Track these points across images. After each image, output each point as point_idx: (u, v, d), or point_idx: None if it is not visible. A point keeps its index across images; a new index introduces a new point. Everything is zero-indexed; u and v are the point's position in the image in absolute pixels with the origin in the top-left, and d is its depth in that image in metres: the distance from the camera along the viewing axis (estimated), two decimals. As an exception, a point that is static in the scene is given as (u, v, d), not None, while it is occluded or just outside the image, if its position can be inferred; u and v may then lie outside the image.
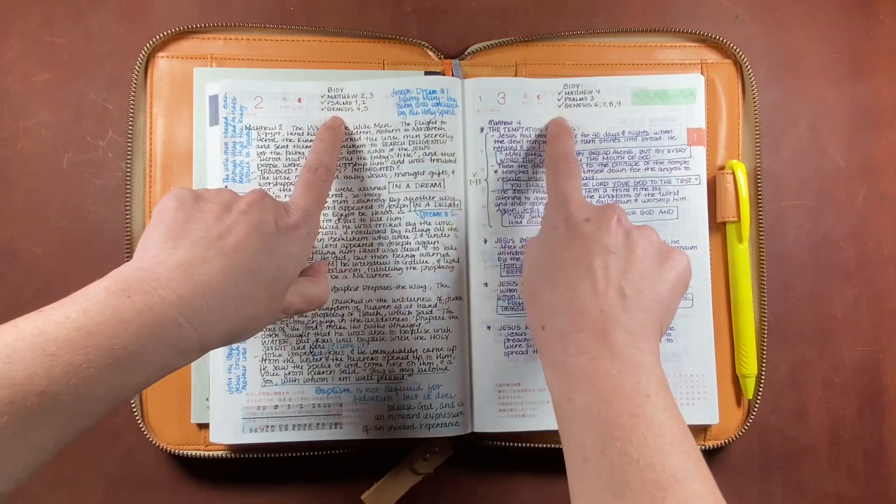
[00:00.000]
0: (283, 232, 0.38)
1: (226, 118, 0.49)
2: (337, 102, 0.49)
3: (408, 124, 0.49)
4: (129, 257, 0.49)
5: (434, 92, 0.49)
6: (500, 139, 0.50)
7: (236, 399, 0.47)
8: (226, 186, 0.48)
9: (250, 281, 0.36)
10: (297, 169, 0.49)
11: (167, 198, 0.37)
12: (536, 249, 0.41)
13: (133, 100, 0.49)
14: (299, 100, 0.49)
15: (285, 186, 0.48)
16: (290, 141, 0.49)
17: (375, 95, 0.49)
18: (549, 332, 0.37)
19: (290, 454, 0.48)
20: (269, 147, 0.49)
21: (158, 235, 0.35)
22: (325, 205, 0.48)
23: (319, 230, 0.48)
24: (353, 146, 0.49)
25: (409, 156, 0.49)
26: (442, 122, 0.49)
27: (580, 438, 0.33)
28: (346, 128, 0.49)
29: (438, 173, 0.49)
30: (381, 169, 0.49)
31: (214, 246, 0.35)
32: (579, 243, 0.38)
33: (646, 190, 0.50)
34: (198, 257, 0.34)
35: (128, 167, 0.49)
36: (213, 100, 0.49)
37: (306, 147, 0.49)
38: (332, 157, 0.46)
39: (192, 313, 0.32)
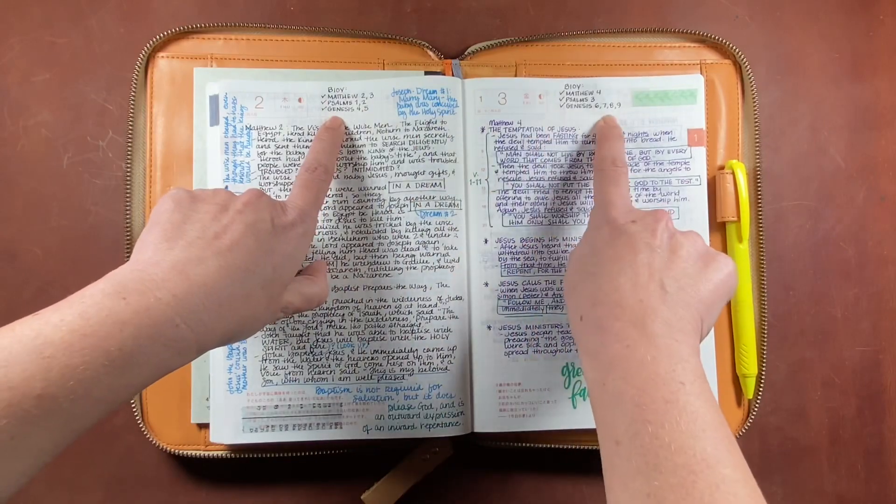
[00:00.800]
0: (279, 231, 0.38)
1: (226, 118, 0.49)
2: (337, 102, 0.49)
3: (408, 124, 0.49)
4: (129, 257, 0.49)
5: (434, 92, 0.49)
6: (501, 139, 0.50)
7: (237, 399, 0.47)
8: (226, 187, 0.48)
9: (247, 280, 0.36)
10: (297, 169, 0.49)
11: (164, 199, 0.37)
12: (580, 249, 0.41)
13: (133, 100, 0.49)
14: (299, 100, 0.49)
15: (286, 186, 0.48)
16: (290, 141, 0.49)
17: (376, 95, 0.49)
18: (587, 322, 0.37)
19: (290, 454, 0.48)
20: (269, 147, 0.49)
21: (154, 237, 0.35)
22: (326, 204, 0.49)
23: (319, 230, 0.48)
24: (354, 146, 0.49)
25: (409, 156, 0.49)
26: (442, 122, 0.49)
27: (612, 423, 0.33)
28: (346, 128, 0.49)
29: (439, 173, 0.49)
30: (381, 169, 0.49)
31: (210, 246, 0.35)
32: (624, 241, 0.38)
33: (646, 190, 0.50)
34: (193, 257, 0.34)
35: (128, 167, 0.49)
36: (214, 100, 0.49)
37: (306, 147, 0.49)
38: (330, 157, 0.46)
39: (189, 313, 0.32)
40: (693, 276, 0.37)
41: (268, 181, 0.48)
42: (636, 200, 0.50)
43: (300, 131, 0.49)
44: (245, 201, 0.38)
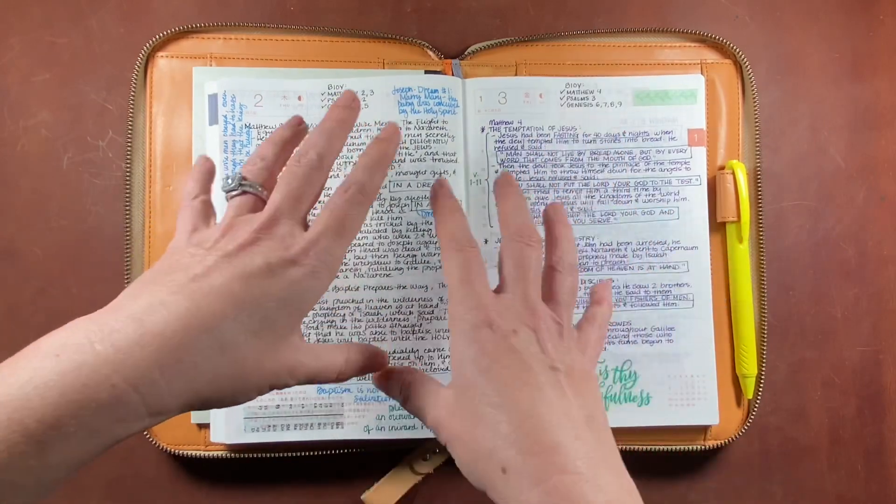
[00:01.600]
0: (275, 268, 0.32)
1: (225, 116, 0.48)
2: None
3: (409, 123, 0.49)
4: (129, 258, 0.49)
5: (436, 91, 0.49)
6: (501, 139, 0.50)
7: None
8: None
9: (222, 329, 0.30)
10: None
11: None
12: (462, 366, 0.35)
13: (133, 100, 0.49)
14: (299, 98, 0.49)
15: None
16: None
17: (376, 93, 0.49)
18: (518, 476, 0.31)
19: (290, 454, 0.48)
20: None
21: (134, 283, 0.32)
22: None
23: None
24: (354, 144, 0.49)
25: (410, 155, 0.49)
26: (444, 122, 0.49)
27: None
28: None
29: (440, 173, 0.49)
30: (381, 168, 0.49)
31: (183, 289, 0.30)
32: (515, 361, 0.34)
33: (646, 190, 0.50)
34: (156, 301, 0.29)
35: (127, 167, 0.49)
36: (213, 98, 0.49)
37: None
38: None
39: (132, 369, 0.27)
40: (583, 359, 0.36)
41: None
42: (636, 200, 0.50)
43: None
44: (242, 241, 0.33)
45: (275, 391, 0.36)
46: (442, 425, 0.35)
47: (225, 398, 0.31)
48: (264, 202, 0.36)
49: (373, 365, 0.38)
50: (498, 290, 0.38)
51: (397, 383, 0.38)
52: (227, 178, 0.36)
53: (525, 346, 0.34)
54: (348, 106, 0.39)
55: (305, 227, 0.36)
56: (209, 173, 0.40)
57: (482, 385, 0.33)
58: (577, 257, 0.41)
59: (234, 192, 0.36)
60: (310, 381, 0.35)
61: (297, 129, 0.40)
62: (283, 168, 0.37)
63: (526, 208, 0.40)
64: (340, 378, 0.36)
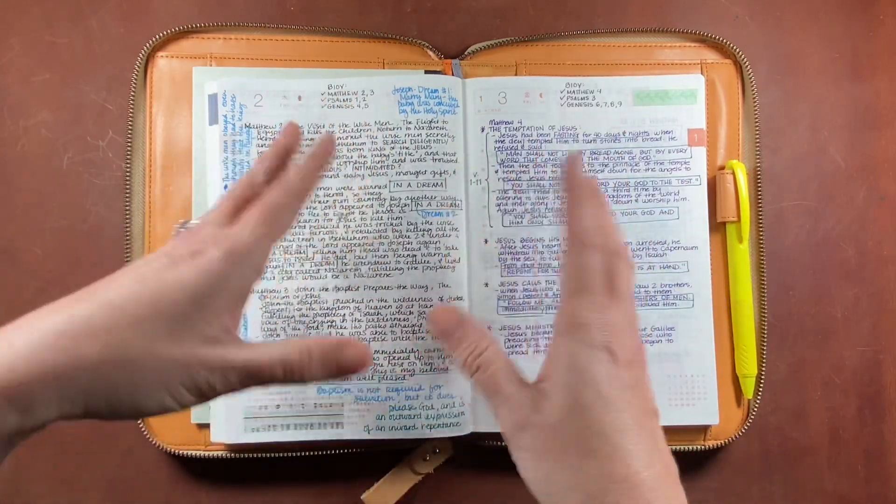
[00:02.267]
0: (177, 260, 0.30)
1: (225, 116, 0.48)
2: (337, 100, 0.49)
3: (409, 123, 0.49)
4: (129, 258, 0.49)
5: (436, 91, 0.49)
6: (501, 139, 0.50)
7: (238, 398, 0.47)
8: (225, 186, 0.48)
9: (112, 329, 0.28)
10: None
11: None
12: (580, 385, 0.32)
13: (133, 100, 0.49)
14: (299, 97, 0.49)
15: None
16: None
17: (376, 93, 0.49)
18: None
19: (290, 454, 0.48)
20: (269, 146, 0.49)
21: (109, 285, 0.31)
22: (326, 203, 0.48)
23: (320, 229, 0.48)
24: (353, 144, 0.49)
25: (410, 155, 0.49)
26: (444, 122, 0.49)
27: None
28: (344, 124, 0.48)
29: (440, 173, 0.49)
30: (381, 168, 0.49)
31: (83, 294, 0.29)
32: (630, 395, 0.32)
33: (646, 190, 0.50)
34: (59, 303, 0.29)
35: (127, 167, 0.49)
36: (213, 98, 0.49)
37: (306, 146, 0.49)
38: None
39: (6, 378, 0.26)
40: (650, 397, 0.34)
41: None
42: (636, 200, 0.50)
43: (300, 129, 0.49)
44: (165, 246, 0.32)
45: (276, 390, 0.36)
46: (527, 437, 0.33)
47: (137, 402, 0.29)
48: None
49: (347, 358, 0.33)
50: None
51: (474, 350, 0.35)
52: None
53: (638, 383, 0.33)
54: (327, 143, 0.39)
55: None
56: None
57: (603, 416, 0.31)
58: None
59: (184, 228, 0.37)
60: (249, 377, 0.31)
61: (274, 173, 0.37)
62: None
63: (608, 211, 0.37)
64: (301, 376, 0.32)
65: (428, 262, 0.48)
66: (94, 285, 0.30)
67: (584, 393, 0.32)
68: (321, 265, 0.48)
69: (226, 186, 0.48)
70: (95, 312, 0.28)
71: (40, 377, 0.26)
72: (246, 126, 0.49)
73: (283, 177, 0.36)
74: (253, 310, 0.48)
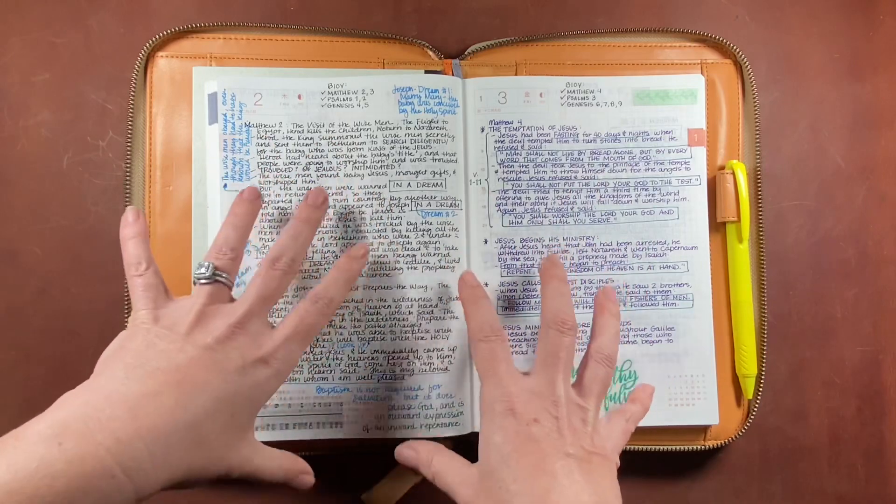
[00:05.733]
0: (248, 367, 0.36)
1: (225, 115, 0.48)
2: (337, 98, 0.49)
3: (409, 122, 0.49)
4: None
5: (436, 91, 0.49)
6: (501, 139, 0.50)
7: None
8: (224, 185, 0.48)
9: (204, 424, 0.33)
10: (297, 167, 0.49)
11: (126, 330, 0.37)
12: (486, 451, 0.38)
13: (133, 100, 0.49)
14: (299, 96, 0.49)
15: (286, 185, 0.48)
16: (290, 139, 0.49)
17: (376, 92, 0.49)
18: None
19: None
20: (269, 145, 0.49)
21: (114, 359, 0.34)
22: (328, 204, 0.48)
23: (319, 229, 0.48)
24: (353, 143, 0.49)
25: (410, 154, 0.49)
26: (444, 122, 0.49)
27: None
28: (346, 124, 0.49)
29: (440, 173, 0.49)
30: (381, 167, 0.49)
31: (169, 382, 0.33)
32: (535, 448, 0.36)
33: (646, 190, 0.50)
34: (149, 392, 0.32)
35: (127, 167, 0.49)
36: (213, 97, 0.49)
37: (306, 145, 0.49)
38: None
39: (130, 461, 0.29)
40: (604, 445, 0.39)
41: (267, 179, 0.48)
42: (636, 200, 0.50)
43: (300, 128, 0.49)
44: (220, 336, 0.36)
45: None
46: None
47: (187, 484, 0.33)
48: (230, 289, 0.40)
49: (296, 480, 0.40)
50: (529, 374, 0.40)
51: (426, 463, 0.42)
52: (200, 266, 0.39)
53: (545, 434, 0.37)
54: (316, 205, 0.44)
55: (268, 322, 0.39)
56: (145, 235, 0.41)
57: (503, 471, 0.36)
58: (618, 349, 0.43)
59: (205, 281, 0.39)
60: (247, 478, 0.37)
61: (255, 203, 0.43)
62: (259, 270, 0.40)
63: (567, 293, 0.42)
64: (269, 481, 0.38)
65: (427, 262, 0.48)
66: (182, 378, 0.33)
67: (491, 455, 0.37)
68: (320, 264, 0.48)
69: (225, 186, 0.48)
70: (198, 404, 0.33)
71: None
72: (246, 125, 0.49)
73: (321, 289, 0.41)
74: None
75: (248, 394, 0.36)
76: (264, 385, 0.37)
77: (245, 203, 0.42)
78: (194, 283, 0.39)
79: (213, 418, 0.33)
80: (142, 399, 0.31)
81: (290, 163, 0.49)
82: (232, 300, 0.40)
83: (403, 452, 0.44)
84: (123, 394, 0.31)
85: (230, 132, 0.48)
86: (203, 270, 0.39)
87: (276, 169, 0.48)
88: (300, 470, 0.40)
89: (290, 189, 0.48)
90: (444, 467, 0.40)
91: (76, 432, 0.29)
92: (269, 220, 0.48)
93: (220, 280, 0.39)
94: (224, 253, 0.40)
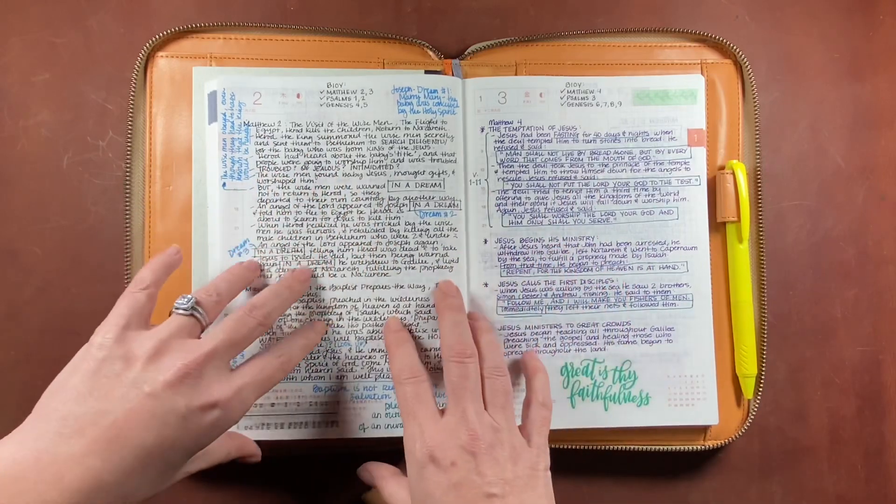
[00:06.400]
0: (190, 415, 0.35)
1: (224, 114, 0.48)
2: (336, 98, 0.49)
3: (408, 123, 0.49)
4: (129, 258, 0.49)
5: (435, 91, 0.49)
6: (501, 139, 0.50)
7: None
8: (223, 184, 0.48)
9: (130, 481, 0.33)
10: (295, 166, 0.48)
11: (93, 338, 0.36)
12: (416, 500, 0.39)
13: (133, 100, 0.49)
14: (298, 95, 0.49)
15: (284, 184, 0.48)
16: (288, 138, 0.49)
17: (375, 92, 0.49)
18: None
19: (289, 454, 0.48)
20: (267, 144, 0.49)
21: (56, 399, 0.34)
22: (324, 202, 0.48)
23: (317, 228, 0.48)
24: (352, 143, 0.49)
25: (409, 155, 0.49)
26: (443, 122, 0.49)
27: None
28: (344, 124, 0.49)
29: (439, 173, 0.49)
30: (380, 167, 0.49)
31: (100, 439, 0.32)
32: (456, 496, 0.37)
33: (646, 190, 0.50)
34: (76, 454, 0.32)
35: (127, 167, 0.49)
36: (212, 96, 0.49)
37: (305, 144, 0.49)
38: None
39: None
40: (529, 455, 0.40)
41: (266, 178, 0.48)
42: (636, 200, 0.50)
43: (298, 128, 0.49)
44: (173, 376, 0.35)
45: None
46: None
47: None
48: (202, 328, 0.40)
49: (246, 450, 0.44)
50: (444, 411, 0.41)
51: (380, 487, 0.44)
52: (183, 297, 0.39)
53: (464, 477, 0.37)
54: (304, 280, 0.46)
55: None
56: (170, 267, 0.42)
57: None
58: (503, 358, 0.44)
59: (182, 312, 0.39)
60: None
61: (252, 272, 0.46)
62: (233, 314, 0.40)
63: (463, 322, 0.44)
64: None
65: (426, 262, 0.48)
66: (115, 435, 0.33)
67: (421, 488, 0.38)
68: (318, 263, 0.48)
69: (224, 184, 0.48)
70: (128, 462, 0.33)
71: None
72: (245, 124, 0.49)
73: (285, 346, 0.43)
74: None
75: (189, 440, 0.35)
76: (209, 430, 0.36)
77: (243, 269, 0.45)
78: (170, 314, 0.39)
79: (143, 473, 0.33)
80: (69, 461, 0.31)
81: (288, 162, 0.49)
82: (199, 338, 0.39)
83: (362, 474, 0.46)
84: (52, 455, 0.31)
85: (229, 131, 0.48)
86: (183, 302, 0.39)
87: (275, 168, 0.48)
88: (249, 453, 0.44)
89: (289, 188, 0.48)
90: (392, 499, 0.42)
91: (6, 492, 0.30)
92: (267, 220, 0.48)
93: (196, 315, 0.39)
94: (210, 294, 0.41)
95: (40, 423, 0.33)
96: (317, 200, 0.48)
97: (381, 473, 0.44)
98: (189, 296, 0.39)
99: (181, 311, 0.39)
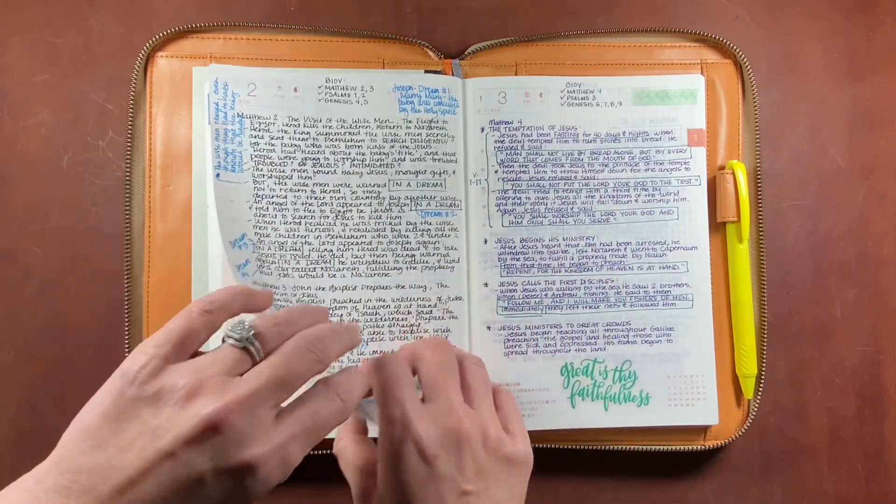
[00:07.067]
0: (220, 478, 0.29)
1: (216, 104, 0.48)
2: (335, 94, 0.49)
3: (410, 122, 0.49)
4: (129, 257, 0.48)
5: (436, 91, 0.49)
6: (501, 139, 0.50)
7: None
8: (217, 175, 0.47)
9: None
10: (292, 162, 0.48)
11: (128, 362, 0.30)
12: (389, 481, 0.36)
13: (133, 100, 0.49)
14: (295, 89, 0.49)
15: (281, 179, 0.48)
16: (285, 132, 0.48)
17: (376, 89, 0.49)
18: None
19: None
20: (263, 137, 0.48)
21: (74, 443, 0.29)
22: (323, 200, 0.48)
23: (316, 227, 0.47)
24: (353, 140, 0.49)
25: (410, 154, 0.49)
26: (444, 122, 0.49)
27: None
28: (345, 121, 0.48)
29: (440, 173, 0.49)
30: (380, 166, 0.49)
31: (110, 499, 0.27)
32: (433, 491, 0.35)
33: (646, 190, 0.50)
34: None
35: (127, 167, 0.49)
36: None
37: (302, 139, 0.48)
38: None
39: None
40: (514, 447, 0.39)
41: (261, 173, 0.48)
42: (636, 200, 0.50)
43: (296, 122, 0.49)
44: (196, 429, 0.28)
45: None
46: None
47: None
48: (255, 363, 0.32)
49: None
50: (423, 399, 0.38)
51: (337, 438, 0.41)
52: (240, 324, 0.32)
53: (444, 472, 0.36)
54: (356, 332, 0.37)
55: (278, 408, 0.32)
56: (250, 306, 0.35)
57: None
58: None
59: (233, 342, 0.32)
60: None
61: (325, 318, 0.37)
62: (285, 344, 0.33)
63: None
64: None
65: (427, 262, 0.48)
66: (132, 486, 0.28)
67: (389, 485, 0.36)
68: (317, 263, 0.48)
69: (218, 175, 0.47)
70: None
71: None
72: (238, 115, 0.48)
73: (343, 383, 0.34)
74: None
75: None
76: (242, 496, 0.30)
77: (317, 311, 0.37)
78: (223, 340, 0.33)
79: None
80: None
81: (285, 157, 0.48)
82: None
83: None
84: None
85: (221, 122, 0.48)
86: (239, 328, 0.32)
87: (271, 163, 0.48)
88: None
89: (286, 184, 0.48)
90: (348, 453, 0.39)
91: None
92: (264, 216, 0.48)
93: (251, 350, 0.32)
94: (277, 324, 0.33)
95: (53, 470, 0.28)
96: (315, 198, 0.48)
97: (345, 428, 0.41)
98: (248, 320, 0.32)
99: (233, 341, 0.32)
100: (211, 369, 0.30)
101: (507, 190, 0.50)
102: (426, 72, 0.50)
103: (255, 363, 0.32)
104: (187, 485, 0.28)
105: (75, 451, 0.28)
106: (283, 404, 0.32)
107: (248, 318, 0.33)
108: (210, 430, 0.28)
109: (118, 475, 0.27)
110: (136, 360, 0.30)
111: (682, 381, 0.49)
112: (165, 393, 0.29)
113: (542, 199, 0.50)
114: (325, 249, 0.48)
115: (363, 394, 0.36)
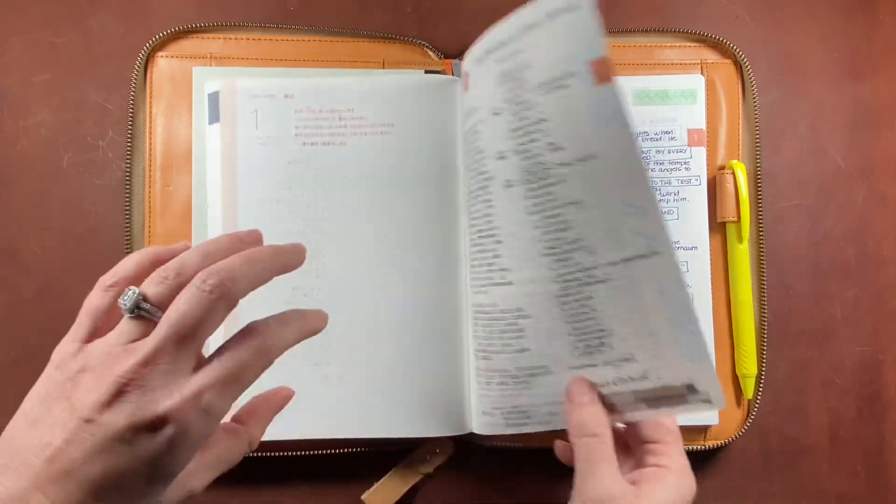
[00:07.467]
0: (141, 433, 0.29)
1: (225, 115, 0.48)
2: (335, 98, 0.49)
3: (410, 122, 0.49)
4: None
5: (436, 91, 0.49)
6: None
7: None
8: (224, 186, 0.48)
9: None
10: (294, 167, 0.48)
11: (55, 354, 0.32)
12: None
13: (133, 100, 0.49)
14: (289, 95, 0.49)
15: (287, 188, 0.48)
16: (292, 140, 0.49)
17: (376, 91, 0.49)
18: None
19: (290, 454, 0.48)
20: (268, 146, 0.48)
21: (15, 429, 0.30)
22: (330, 211, 0.48)
23: (310, 225, 0.48)
24: (353, 136, 0.49)
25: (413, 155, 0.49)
26: (444, 122, 0.49)
27: None
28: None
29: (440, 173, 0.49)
30: (382, 166, 0.49)
31: (40, 476, 0.28)
32: None
33: (646, 190, 0.50)
34: (15, 496, 0.28)
35: (127, 167, 0.49)
36: (213, 97, 0.49)
37: (304, 144, 0.49)
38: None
39: None
40: None
41: (266, 183, 0.48)
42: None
43: (300, 129, 0.49)
44: (109, 392, 0.29)
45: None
46: None
47: None
48: (155, 324, 0.31)
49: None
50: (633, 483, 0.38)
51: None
52: (126, 293, 0.31)
53: None
54: (295, 252, 0.35)
55: (198, 360, 0.31)
56: (157, 263, 0.33)
57: None
58: None
59: (126, 314, 0.31)
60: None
61: (247, 245, 0.34)
62: (182, 292, 0.31)
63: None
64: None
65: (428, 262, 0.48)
66: (55, 472, 0.29)
67: None
68: (316, 263, 0.48)
69: (224, 186, 0.48)
70: (76, 498, 0.29)
71: None
72: (245, 125, 0.48)
73: (250, 336, 0.32)
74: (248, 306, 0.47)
75: (145, 467, 0.29)
76: (168, 452, 0.29)
77: (233, 239, 0.34)
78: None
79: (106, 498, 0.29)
80: (14, 500, 0.28)
81: (286, 163, 0.48)
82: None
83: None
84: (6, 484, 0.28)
85: (230, 133, 0.48)
86: (126, 300, 0.31)
87: (275, 172, 0.48)
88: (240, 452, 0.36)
89: (291, 189, 0.48)
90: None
91: None
92: (267, 225, 0.48)
93: (144, 316, 0.31)
94: (166, 277, 0.31)
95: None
96: (320, 209, 0.48)
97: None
98: (133, 289, 0.31)
99: (125, 312, 0.31)
100: (115, 341, 0.31)
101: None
102: (426, 72, 0.50)
103: (156, 323, 0.31)
104: (109, 444, 0.29)
105: (14, 433, 0.30)
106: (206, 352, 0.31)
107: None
108: (120, 391, 0.29)
109: (48, 448, 0.29)
110: (60, 346, 0.32)
111: (682, 381, 0.49)
112: (82, 370, 0.30)
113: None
114: (315, 249, 0.48)
115: (295, 337, 0.33)
